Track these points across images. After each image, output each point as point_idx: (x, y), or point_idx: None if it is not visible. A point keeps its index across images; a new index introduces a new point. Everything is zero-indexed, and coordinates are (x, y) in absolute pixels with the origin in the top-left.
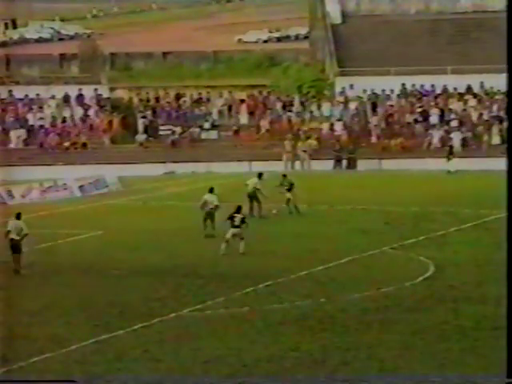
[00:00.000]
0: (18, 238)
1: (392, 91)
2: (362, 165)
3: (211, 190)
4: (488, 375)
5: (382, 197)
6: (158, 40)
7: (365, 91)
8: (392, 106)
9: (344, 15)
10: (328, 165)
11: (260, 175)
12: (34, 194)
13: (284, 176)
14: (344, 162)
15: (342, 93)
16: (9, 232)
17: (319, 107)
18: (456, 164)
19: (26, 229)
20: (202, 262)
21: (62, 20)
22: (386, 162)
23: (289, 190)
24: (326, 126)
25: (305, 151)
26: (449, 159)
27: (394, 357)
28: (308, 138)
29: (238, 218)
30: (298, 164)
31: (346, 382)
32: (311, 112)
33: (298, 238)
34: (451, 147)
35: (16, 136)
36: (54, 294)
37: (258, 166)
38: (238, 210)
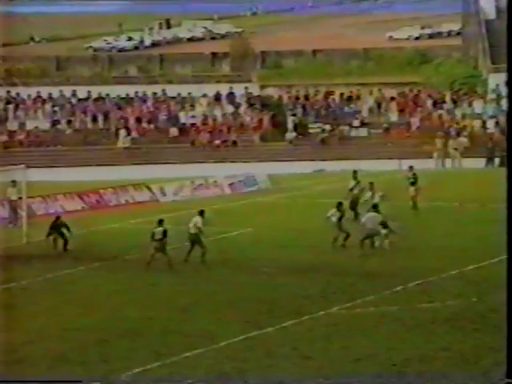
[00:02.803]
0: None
1: None
2: None
3: (201, 213)
4: (488, 375)
5: None
6: (308, 38)
7: None
8: None
9: (498, 10)
10: (480, 163)
11: (202, 213)
12: (186, 191)
13: (354, 172)
14: (497, 160)
15: (496, 90)
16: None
17: (470, 104)
18: None
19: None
20: (351, 260)
21: (220, 19)
22: None
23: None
24: (478, 124)
25: (456, 149)
26: None
27: None
28: (459, 135)
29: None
30: (449, 162)
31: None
32: (463, 109)
33: (449, 236)
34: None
35: (123, 136)
36: (205, 290)
37: (408, 164)
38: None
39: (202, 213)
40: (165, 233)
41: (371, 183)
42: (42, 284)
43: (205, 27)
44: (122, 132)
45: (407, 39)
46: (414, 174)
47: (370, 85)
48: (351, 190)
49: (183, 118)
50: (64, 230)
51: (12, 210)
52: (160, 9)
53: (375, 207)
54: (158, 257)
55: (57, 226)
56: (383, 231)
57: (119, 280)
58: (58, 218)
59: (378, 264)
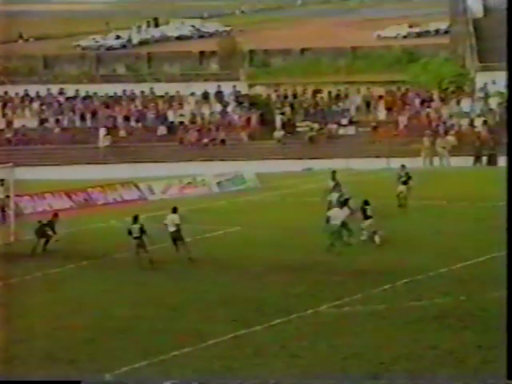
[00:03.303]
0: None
1: None
2: (504, 161)
3: (174, 211)
4: (488, 376)
5: None
6: (297, 36)
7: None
8: None
9: (486, 9)
10: (468, 161)
11: (175, 210)
12: (174, 189)
13: (333, 172)
14: (484, 159)
15: (483, 88)
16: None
17: (458, 103)
18: None
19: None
20: (340, 259)
21: (210, 17)
22: None
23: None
24: (465, 122)
25: (444, 147)
26: None
27: None
28: (447, 134)
29: (368, 209)
30: (436, 160)
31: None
32: (450, 108)
33: (438, 235)
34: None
35: (102, 135)
36: (192, 289)
37: (395, 162)
38: (366, 203)
39: (175, 210)
40: (141, 229)
41: (337, 184)
42: (30, 282)
43: (193, 26)
44: (102, 131)
45: (395, 38)
46: (407, 173)
47: (358, 83)
48: (331, 191)
49: (171, 116)
50: (49, 231)
51: None
52: (148, 7)
53: (345, 203)
54: (142, 254)
55: (50, 224)
56: (365, 224)
57: (108, 279)
58: (55, 214)
59: (366, 262)
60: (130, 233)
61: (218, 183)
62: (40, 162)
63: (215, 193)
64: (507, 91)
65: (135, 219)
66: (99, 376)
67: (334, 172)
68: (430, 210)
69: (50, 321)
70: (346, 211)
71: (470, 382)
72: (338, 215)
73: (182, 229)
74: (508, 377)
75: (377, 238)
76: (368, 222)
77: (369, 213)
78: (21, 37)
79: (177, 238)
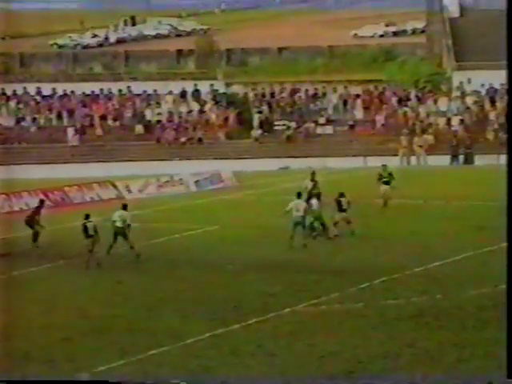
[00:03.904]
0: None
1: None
2: (480, 160)
3: (124, 207)
4: (488, 376)
5: (500, 192)
6: (274, 35)
7: (483, 85)
8: None
9: (462, 8)
10: (445, 160)
11: (125, 207)
12: (151, 188)
13: (313, 173)
14: (461, 158)
15: (460, 87)
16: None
17: (435, 102)
18: None
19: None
20: (317, 258)
21: (189, 15)
22: (505, 158)
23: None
24: (442, 121)
25: (421, 146)
26: None
27: None
28: (424, 132)
29: (344, 201)
30: (413, 159)
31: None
32: (427, 107)
33: (414, 234)
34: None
35: (71, 134)
36: (170, 288)
37: (372, 161)
38: (342, 195)
39: (125, 207)
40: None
41: (316, 184)
42: (6, 282)
43: (170, 24)
44: (70, 130)
45: (372, 37)
46: (390, 174)
47: (336, 82)
48: (309, 192)
49: (149, 115)
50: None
51: None
52: (125, 6)
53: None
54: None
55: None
56: (337, 216)
57: (84, 278)
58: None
59: (343, 261)
60: (85, 230)
61: (196, 182)
62: (16, 160)
63: (193, 192)
64: (507, 91)
65: (87, 217)
66: (100, 376)
67: (313, 172)
68: (406, 209)
69: (26, 320)
70: (304, 204)
71: (469, 382)
72: (299, 207)
73: (130, 228)
74: (508, 376)
75: (331, 232)
76: (341, 214)
77: (344, 206)
78: None
79: (121, 234)
